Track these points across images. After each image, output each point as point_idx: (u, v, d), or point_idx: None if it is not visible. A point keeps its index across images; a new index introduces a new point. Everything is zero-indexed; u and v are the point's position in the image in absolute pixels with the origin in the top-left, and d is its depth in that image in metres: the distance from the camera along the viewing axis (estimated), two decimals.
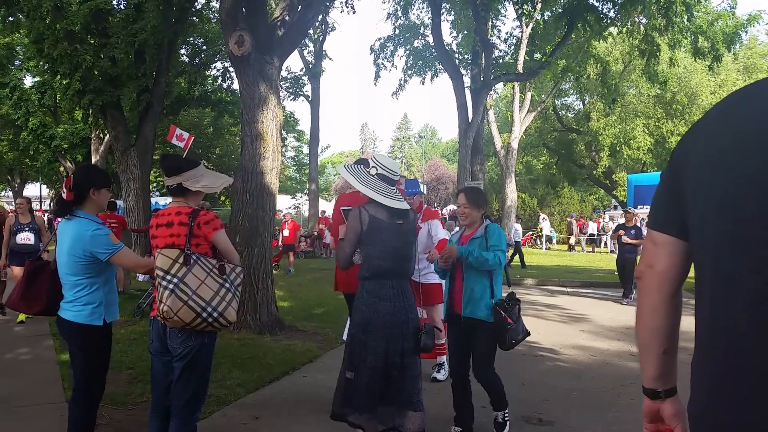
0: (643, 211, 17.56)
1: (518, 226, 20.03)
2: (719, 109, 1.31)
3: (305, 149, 36.63)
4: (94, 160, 22.06)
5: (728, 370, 1.18)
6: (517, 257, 18.32)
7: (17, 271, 8.04)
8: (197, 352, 3.26)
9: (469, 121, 17.19)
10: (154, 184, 25.64)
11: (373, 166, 3.73)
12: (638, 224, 11.51)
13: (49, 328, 7.79)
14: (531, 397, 5.16)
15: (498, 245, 4.03)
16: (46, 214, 27.24)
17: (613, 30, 19.46)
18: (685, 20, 17.13)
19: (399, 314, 3.57)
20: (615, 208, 31.18)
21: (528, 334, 4.16)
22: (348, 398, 3.61)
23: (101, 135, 21.24)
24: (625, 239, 11.13)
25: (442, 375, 5.72)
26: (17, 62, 26.16)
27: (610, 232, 18.19)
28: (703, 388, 1.26)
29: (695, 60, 21.78)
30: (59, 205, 3.67)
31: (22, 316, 8.01)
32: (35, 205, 30.16)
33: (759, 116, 1.17)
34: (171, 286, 3.15)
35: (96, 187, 3.59)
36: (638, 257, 10.48)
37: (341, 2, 16.71)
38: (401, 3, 23.33)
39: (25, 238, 8.32)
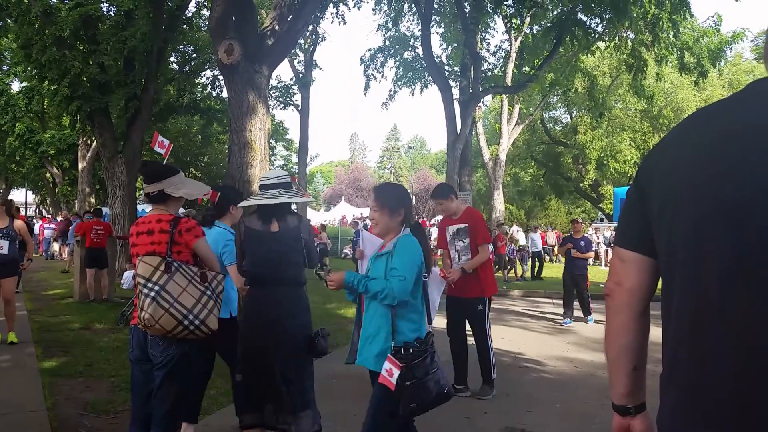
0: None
1: (536, 236, 20.01)
2: (681, 128, 1.35)
3: (294, 158, 36.64)
4: (81, 166, 21.96)
5: (693, 383, 1.21)
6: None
7: None
8: (178, 361, 3.26)
9: (458, 132, 17.26)
10: (141, 192, 25.57)
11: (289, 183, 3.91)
12: (587, 236, 10.52)
13: (31, 334, 7.72)
14: (515, 408, 5.17)
15: (398, 268, 2.96)
16: (34, 220, 26.93)
17: (601, 44, 19.69)
18: (671, 36, 17.36)
19: (284, 320, 3.62)
20: (601, 220, 31.36)
21: (447, 396, 2.98)
22: (241, 401, 3.82)
23: (89, 141, 21.16)
24: (574, 253, 9.99)
25: None
26: (5, 67, 26.03)
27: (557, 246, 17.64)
28: (669, 400, 1.28)
29: (681, 75, 22.06)
30: (207, 217, 4.17)
31: (12, 337, 7.11)
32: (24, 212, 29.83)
33: (719, 130, 1.22)
34: (152, 293, 3.15)
35: (235, 204, 4.11)
36: (588, 272, 9.93)
37: (332, 13, 16.92)
38: (391, 15, 23.49)
39: None
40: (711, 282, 1.17)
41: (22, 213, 13.63)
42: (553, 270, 22.28)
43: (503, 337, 8.41)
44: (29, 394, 5.18)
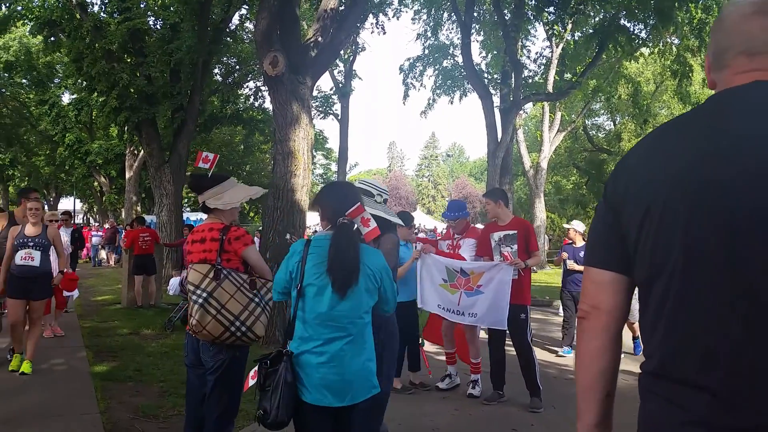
0: None
1: None
2: (652, 140, 1.34)
3: (333, 167, 36.95)
4: (128, 175, 22.56)
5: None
6: None
7: (12, 305, 6.03)
8: (229, 366, 3.31)
9: (499, 140, 17.17)
10: (185, 200, 26.23)
11: (378, 194, 3.80)
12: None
13: (82, 340, 7.94)
14: (562, 421, 5.09)
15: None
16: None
17: (645, 50, 19.34)
18: None
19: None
20: None
21: (264, 422, 2.62)
22: None
23: (135, 151, 21.72)
24: (571, 264, 7.98)
25: (477, 391, 5.79)
26: (56, 80, 26.96)
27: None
28: (656, 412, 1.28)
29: None
30: None
31: (26, 367, 5.98)
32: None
33: (699, 142, 1.22)
34: (200, 300, 3.24)
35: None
36: None
37: (372, 23, 17.00)
38: (431, 24, 23.54)
39: (26, 257, 5.94)
40: (707, 287, 1.17)
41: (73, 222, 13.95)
42: None
43: (550, 347, 8.29)
44: (83, 398, 5.32)
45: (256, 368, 2.71)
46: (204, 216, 3.62)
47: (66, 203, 44.25)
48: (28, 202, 6.21)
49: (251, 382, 2.76)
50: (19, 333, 6.15)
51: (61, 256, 6.56)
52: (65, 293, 8.20)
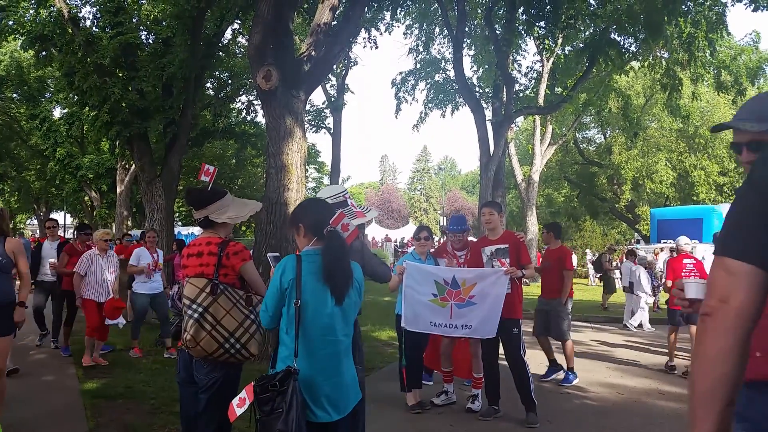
0: (667, 245, 16.54)
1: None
2: None
3: (326, 180, 36.91)
4: (119, 190, 22.41)
5: None
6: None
7: None
8: (222, 384, 3.26)
9: (491, 153, 17.21)
10: (177, 214, 26.07)
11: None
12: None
13: (72, 357, 7.83)
14: None
15: (267, 294, 2.83)
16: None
17: (635, 64, 19.51)
18: (707, 55, 17.14)
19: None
20: (638, 242, 30.78)
21: None
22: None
23: (127, 166, 21.60)
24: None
25: (476, 406, 5.74)
26: (47, 95, 26.86)
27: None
28: None
29: (718, 94, 21.72)
30: None
31: None
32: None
33: None
34: (196, 315, 3.21)
35: None
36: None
37: (364, 38, 17.10)
38: (422, 38, 23.67)
39: None
40: None
41: (61, 234, 13.35)
42: (589, 293, 21.78)
43: (542, 363, 8.25)
44: (72, 416, 5.24)
45: (244, 395, 2.57)
46: (195, 230, 3.58)
47: (56, 218, 44.01)
48: None
49: (238, 411, 2.60)
50: None
51: (23, 277, 4.65)
52: (108, 322, 7.50)
